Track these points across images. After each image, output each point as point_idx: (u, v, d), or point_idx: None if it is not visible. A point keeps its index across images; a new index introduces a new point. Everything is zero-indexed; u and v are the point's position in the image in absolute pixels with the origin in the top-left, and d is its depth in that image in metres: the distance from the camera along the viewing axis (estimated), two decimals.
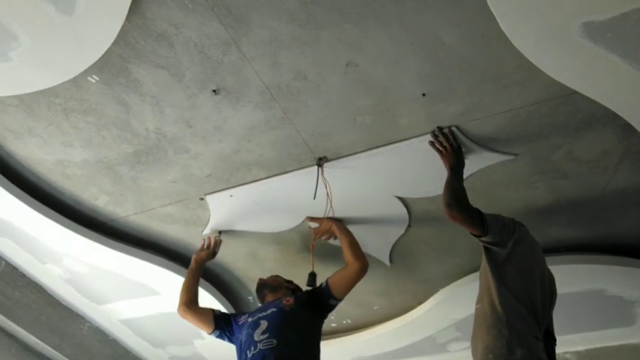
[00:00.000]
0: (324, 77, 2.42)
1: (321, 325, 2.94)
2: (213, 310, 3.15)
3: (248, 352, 2.71)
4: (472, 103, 2.46)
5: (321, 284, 2.93)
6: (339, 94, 2.48)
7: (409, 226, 3.15)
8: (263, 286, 3.13)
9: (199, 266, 3.29)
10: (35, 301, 3.75)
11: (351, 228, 3.15)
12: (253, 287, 3.76)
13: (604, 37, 2.03)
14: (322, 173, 2.85)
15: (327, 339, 3.76)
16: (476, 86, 2.38)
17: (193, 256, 3.31)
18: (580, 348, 3.66)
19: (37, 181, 3.15)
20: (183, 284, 3.28)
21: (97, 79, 2.53)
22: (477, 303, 2.53)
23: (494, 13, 2.02)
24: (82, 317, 4.04)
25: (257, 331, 2.74)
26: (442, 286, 3.50)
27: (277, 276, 3.23)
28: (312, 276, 3.02)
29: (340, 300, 2.91)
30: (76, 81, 2.54)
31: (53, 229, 3.27)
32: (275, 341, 2.66)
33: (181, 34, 2.29)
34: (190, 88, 2.53)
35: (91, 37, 2.32)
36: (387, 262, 3.37)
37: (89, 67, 2.45)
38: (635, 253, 3.10)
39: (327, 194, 2.91)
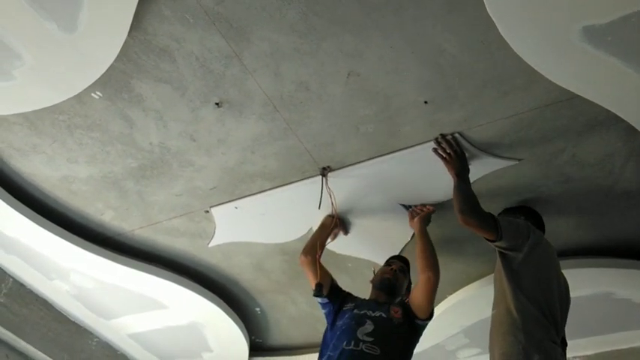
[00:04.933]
0: (325, 87, 2.43)
1: (414, 347, 2.73)
2: (332, 278, 2.97)
3: (345, 343, 2.57)
4: (474, 109, 2.46)
5: (406, 302, 2.78)
6: (341, 103, 2.49)
7: (414, 233, 3.14)
8: (390, 285, 2.90)
9: (328, 226, 3.06)
10: (43, 318, 3.75)
11: (357, 236, 3.16)
12: (260, 298, 3.79)
13: (604, 41, 2.03)
14: (326, 183, 2.86)
15: None
16: (477, 92, 2.38)
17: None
18: (589, 352, 3.63)
19: (43, 198, 3.16)
20: (312, 236, 3.09)
21: (101, 95, 2.54)
22: (493, 309, 2.51)
23: (493, 19, 2.03)
24: (91, 332, 4.04)
25: (361, 329, 2.61)
26: (449, 293, 3.49)
27: (403, 265, 3.02)
28: (319, 286, 3.00)
29: (426, 320, 2.71)
30: (80, 97, 2.56)
31: (60, 245, 3.28)
32: (379, 350, 2.53)
33: (183, 49, 2.31)
34: (193, 102, 2.54)
35: (93, 53, 2.34)
36: None
37: (92, 84, 2.47)
38: None
39: (332, 204, 2.91)
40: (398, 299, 2.85)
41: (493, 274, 2.68)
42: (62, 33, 2.25)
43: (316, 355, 3.93)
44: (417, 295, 2.71)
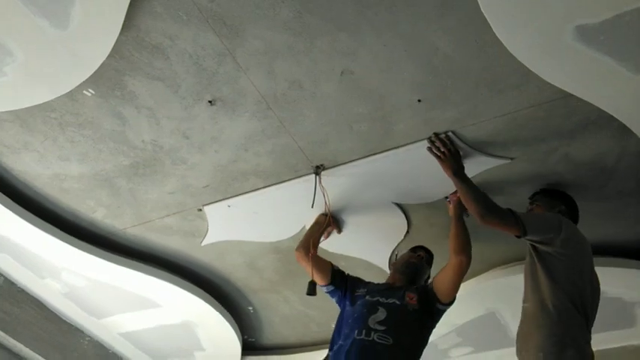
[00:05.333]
0: (319, 86, 2.42)
1: (430, 334, 2.69)
2: (332, 264, 2.95)
3: (357, 331, 2.53)
4: (468, 108, 2.46)
5: (429, 285, 2.73)
6: (334, 102, 2.49)
7: (408, 232, 3.14)
8: (416, 269, 2.89)
9: (322, 224, 3.03)
10: (35, 317, 3.73)
11: (350, 235, 3.16)
12: (253, 297, 3.78)
13: (597, 40, 2.04)
14: (320, 181, 2.85)
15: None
16: (471, 91, 2.38)
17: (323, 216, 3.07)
18: None
19: (34, 196, 3.15)
20: (306, 232, 3.09)
21: (93, 92, 2.53)
22: (524, 302, 2.49)
23: (487, 19, 2.03)
24: (82, 331, 4.02)
25: (373, 316, 2.56)
26: None
27: (428, 257, 2.99)
28: (312, 285, 2.99)
29: (447, 305, 2.67)
30: (72, 95, 2.54)
31: (51, 244, 3.26)
32: (391, 340, 2.48)
33: (176, 46, 2.30)
34: (186, 99, 2.53)
35: (85, 51, 2.33)
36: (387, 269, 3.36)
37: (84, 81, 2.46)
38: (634, 254, 3.10)
39: (325, 202, 2.91)
40: (414, 286, 2.79)
41: (523, 267, 2.61)
42: (54, 30, 2.24)
43: (309, 354, 3.98)
44: (444, 278, 2.65)
